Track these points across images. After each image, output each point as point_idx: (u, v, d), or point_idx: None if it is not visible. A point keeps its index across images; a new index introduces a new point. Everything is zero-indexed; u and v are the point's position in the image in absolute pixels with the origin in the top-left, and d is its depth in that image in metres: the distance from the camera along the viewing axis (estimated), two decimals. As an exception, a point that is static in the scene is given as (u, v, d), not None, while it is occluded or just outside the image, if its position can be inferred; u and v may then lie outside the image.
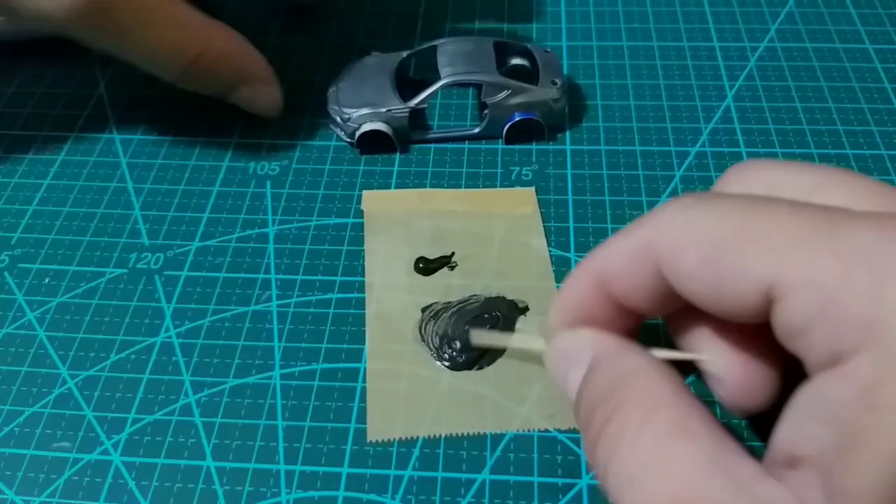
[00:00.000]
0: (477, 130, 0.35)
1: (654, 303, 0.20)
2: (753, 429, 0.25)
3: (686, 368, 0.21)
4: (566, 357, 0.22)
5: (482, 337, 0.27)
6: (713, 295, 0.18)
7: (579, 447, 0.25)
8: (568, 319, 0.22)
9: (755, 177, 0.20)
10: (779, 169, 0.20)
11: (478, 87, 0.34)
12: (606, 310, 0.21)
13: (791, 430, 0.17)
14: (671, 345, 0.23)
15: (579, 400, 0.20)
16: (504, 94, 0.34)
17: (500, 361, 0.27)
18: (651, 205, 0.32)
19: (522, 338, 0.27)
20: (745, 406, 0.20)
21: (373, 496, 0.24)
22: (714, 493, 0.16)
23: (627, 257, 0.20)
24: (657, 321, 0.26)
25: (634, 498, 0.17)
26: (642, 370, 0.19)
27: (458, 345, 0.27)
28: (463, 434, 0.26)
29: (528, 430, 0.26)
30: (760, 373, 0.20)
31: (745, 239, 0.17)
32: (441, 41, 0.35)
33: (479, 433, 0.26)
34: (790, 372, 0.19)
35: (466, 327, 0.28)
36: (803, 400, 0.17)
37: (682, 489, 0.16)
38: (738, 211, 0.18)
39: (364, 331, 0.28)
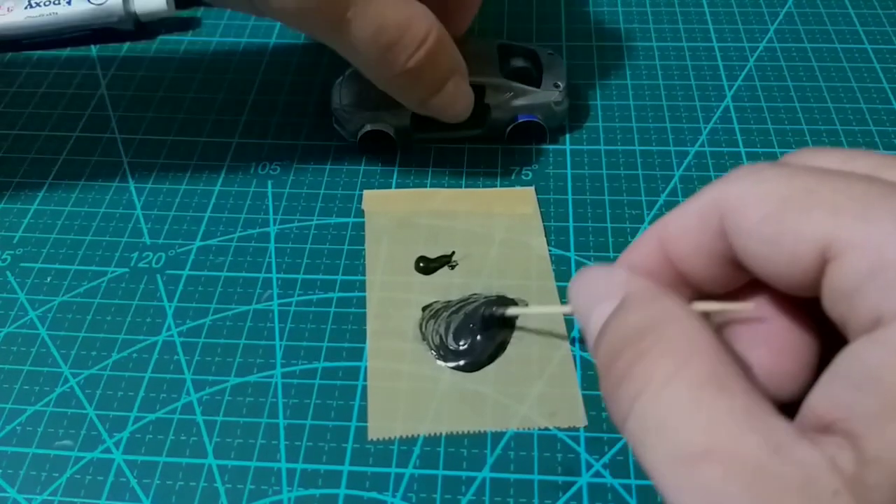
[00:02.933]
0: (479, 132, 0.35)
1: (713, 269, 0.20)
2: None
3: None
4: (594, 289, 0.21)
5: (515, 310, 0.28)
6: (770, 253, 0.18)
7: (579, 445, 0.25)
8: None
9: (816, 158, 0.20)
10: (837, 153, 0.20)
11: (480, 88, 0.34)
12: (663, 278, 0.21)
13: (825, 395, 0.16)
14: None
15: (602, 337, 0.19)
16: (506, 95, 0.34)
17: (500, 360, 0.27)
18: (651, 205, 0.32)
19: (549, 307, 0.27)
20: (779, 391, 0.19)
21: (374, 494, 0.24)
22: (748, 448, 0.15)
23: (693, 214, 0.20)
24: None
25: (662, 444, 0.16)
26: (679, 315, 0.18)
27: (463, 345, 0.28)
28: (463, 432, 0.26)
29: (529, 429, 0.26)
30: (798, 360, 0.19)
31: (810, 198, 0.17)
32: None
33: (479, 431, 0.26)
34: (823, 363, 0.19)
35: (471, 325, 0.28)
36: (841, 364, 0.16)
37: (716, 441, 0.16)
38: (808, 174, 0.18)
39: (365, 329, 0.29)
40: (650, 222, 0.32)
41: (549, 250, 0.31)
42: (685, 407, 0.16)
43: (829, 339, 0.20)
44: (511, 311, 0.28)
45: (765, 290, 0.20)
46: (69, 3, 0.40)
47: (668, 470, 0.16)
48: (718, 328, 0.21)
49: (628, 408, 0.17)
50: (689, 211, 0.20)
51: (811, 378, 0.19)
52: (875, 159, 0.19)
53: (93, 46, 0.42)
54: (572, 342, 0.28)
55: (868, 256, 0.16)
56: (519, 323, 0.28)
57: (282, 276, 0.30)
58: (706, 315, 0.20)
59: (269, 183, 0.34)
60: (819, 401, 0.16)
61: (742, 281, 0.20)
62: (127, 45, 0.42)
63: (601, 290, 0.20)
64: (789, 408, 0.18)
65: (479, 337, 0.28)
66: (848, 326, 0.17)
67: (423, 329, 0.28)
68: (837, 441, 0.15)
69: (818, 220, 0.17)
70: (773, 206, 0.18)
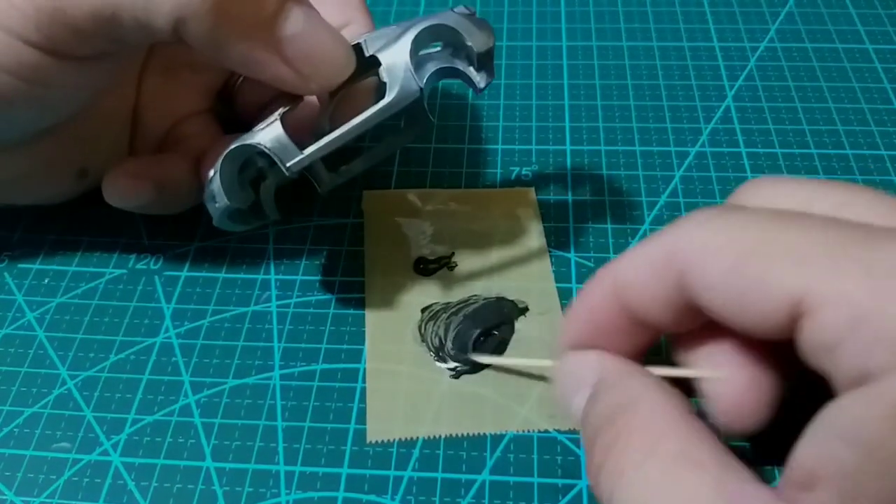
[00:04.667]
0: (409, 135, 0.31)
1: (671, 316, 0.20)
2: (759, 452, 0.25)
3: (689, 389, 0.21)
4: (572, 379, 0.21)
5: (485, 358, 0.27)
6: (736, 307, 0.17)
7: (579, 448, 0.25)
8: (580, 331, 0.22)
9: (772, 194, 0.20)
10: (794, 186, 0.20)
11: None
12: (621, 323, 0.21)
13: (813, 449, 0.16)
14: (672, 363, 0.22)
15: (583, 424, 0.20)
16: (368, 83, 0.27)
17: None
18: (651, 205, 0.32)
19: (529, 360, 0.27)
20: (740, 425, 0.20)
21: (372, 497, 0.24)
22: None
23: (648, 266, 0.19)
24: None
25: None
26: (647, 395, 0.19)
27: (459, 353, 0.27)
28: (463, 435, 0.25)
29: (528, 431, 0.26)
30: (759, 393, 0.19)
31: (775, 249, 0.17)
32: None
33: (478, 434, 0.26)
34: (800, 391, 0.19)
35: (472, 332, 0.28)
36: (828, 418, 0.16)
37: None
38: (767, 221, 0.17)
39: (364, 331, 0.28)
40: (650, 223, 0.32)
41: (550, 251, 0.31)
42: (658, 487, 0.17)
43: (793, 369, 0.19)
44: (484, 359, 0.27)
45: (726, 330, 0.19)
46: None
47: None
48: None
49: (609, 495, 0.18)
50: (644, 259, 0.20)
51: (772, 412, 0.19)
52: (838, 195, 0.19)
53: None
54: (572, 344, 0.28)
55: (845, 310, 0.15)
56: (519, 325, 0.28)
57: (280, 277, 0.30)
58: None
59: (268, 183, 0.34)
60: (807, 454, 0.16)
61: (705, 320, 0.19)
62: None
63: (576, 378, 0.21)
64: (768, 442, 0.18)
65: (478, 342, 0.28)
66: (833, 379, 0.16)
67: (423, 331, 0.28)
68: (824, 498, 0.15)
69: (786, 274, 0.16)
70: (736, 259, 0.17)
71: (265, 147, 0.24)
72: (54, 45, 0.23)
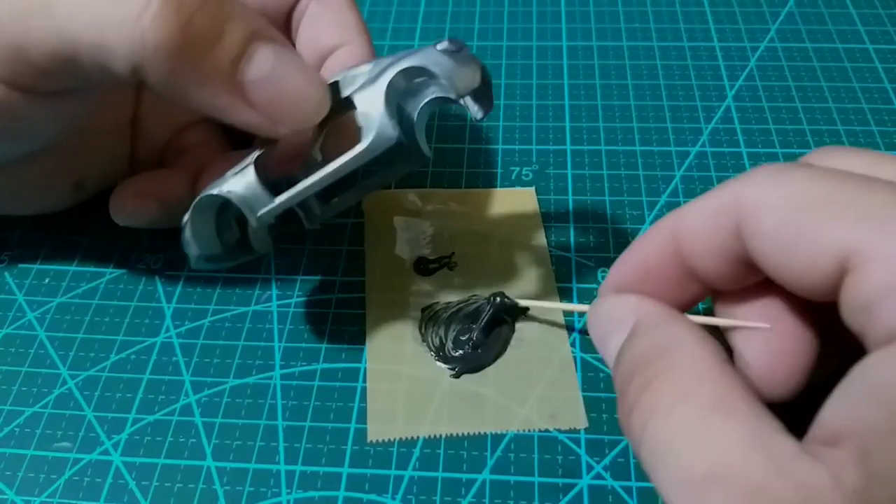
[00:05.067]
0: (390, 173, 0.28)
1: (724, 268, 0.20)
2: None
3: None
4: (608, 320, 0.21)
5: (528, 302, 0.28)
6: (786, 258, 0.18)
7: (580, 447, 0.25)
8: (631, 276, 0.22)
9: (840, 159, 0.20)
10: (864, 155, 0.20)
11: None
12: (672, 272, 0.21)
13: (838, 406, 0.16)
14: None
15: (617, 366, 0.20)
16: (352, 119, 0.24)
17: (500, 362, 0.27)
18: (651, 205, 0.32)
19: (566, 304, 0.27)
20: (774, 389, 0.20)
21: (373, 496, 0.24)
22: (750, 469, 0.16)
23: (709, 212, 0.20)
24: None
25: (668, 469, 0.17)
26: (686, 340, 0.19)
27: (465, 348, 0.28)
28: (463, 434, 0.26)
29: (529, 431, 0.26)
30: (795, 358, 0.20)
31: (830, 205, 0.17)
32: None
33: (479, 433, 0.26)
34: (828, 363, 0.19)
35: (473, 325, 0.28)
36: (855, 376, 0.16)
37: (719, 464, 0.16)
38: (830, 178, 0.18)
39: (364, 331, 0.28)
40: (651, 223, 0.32)
41: (550, 251, 0.31)
42: (691, 431, 0.17)
43: (831, 341, 0.20)
44: (525, 302, 0.28)
45: (773, 290, 0.20)
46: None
47: (676, 494, 0.16)
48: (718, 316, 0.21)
49: (640, 433, 0.18)
50: (706, 207, 0.20)
51: (806, 379, 0.19)
52: None
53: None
54: (573, 344, 0.28)
55: (889, 270, 0.16)
56: (519, 325, 0.28)
57: (281, 276, 0.30)
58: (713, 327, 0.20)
59: (269, 183, 0.34)
60: (832, 411, 0.16)
61: (754, 280, 0.20)
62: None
63: (614, 319, 0.21)
64: (796, 410, 0.18)
65: (479, 342, 0.28)
66: (866, 338, 0.16)
67: (423, 330, 0.28)
68: (845, 456, 0.15)
69: (838, 230, 0.17)
70: (792, 211, 0.17)
71: (234, 197, 0.23)
72: (19, 82, 0.23)
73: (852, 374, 0.16)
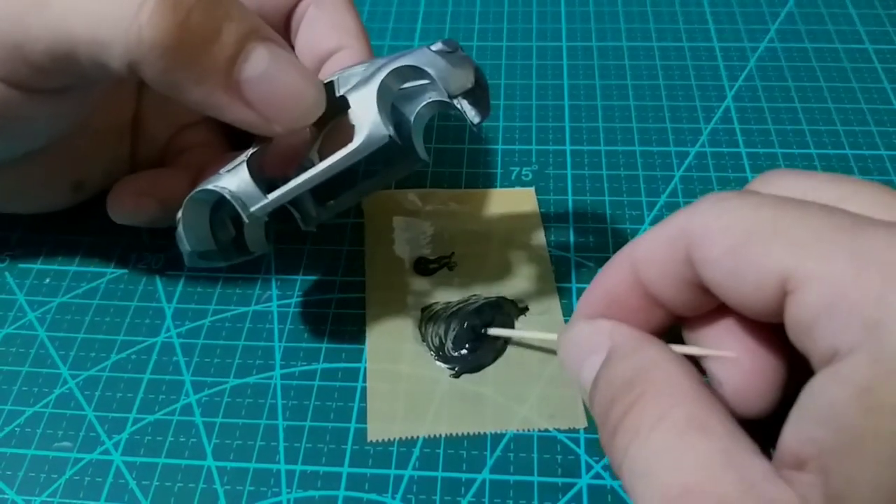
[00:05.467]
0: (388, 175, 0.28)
1: (681, 294, 0.20)
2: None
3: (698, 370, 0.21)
4: (582, 346, 0.21)
5: (497, 331, 0.28)
6: (734, 284, 0.18)
7: (579, 447, 0.25)
8: (598, 306, 0.22)
9: (783, 183, 0.21)
10: (806, 178, 0.21)
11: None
12: (636, 300, 0.21)
13: (795, 431, 0.17)
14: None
15: (595, 390, 0.20)
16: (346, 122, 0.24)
17: (500, 362, 0.27)
18: (651, 205, 0.32)
19: (537, 333, 0.27)
20: (748, 408, 0.20)
21: (373, 496, 0.24)
22: (723, 487, 0.16)
23: (661, 241, 0.20)
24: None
25: (646, 488, 0.17)
26: (662, 363, 0.19)
27: (461, 350, 0.28)
28: (463, 434, 0.26)
29: (528, 430, 0.26)
30: (766, 377, 0.20)
31: (771, 231, 0.18)
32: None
33: (479, 433, 0.26)
34: (798, 379, 0.19)
35: (466, 324, 0.28)
36: (805, 400, 0.17)
37: (692, 482, 0.16)
38: (770, 206, 0.18)
39: (364, 330, 0.28)
40: (651, 223, 0.32)
41: (550, 251, 0.31)
42: (668, 451, 0.17)
43: (796, 360, 0.20)
44: (493, 331, 0.28)
45: (733, 314, 0.20)
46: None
47: None
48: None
49: (621, 459, 0.18)
50: (658, 237, 0.20)
51: (779, 396, 0.20)
52: (845, 187, 0.20)
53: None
54: (572, 343, 0.28)
55: (824, 290, 0.16)
56: (519, 324, 0.28)
57: (281, 276, 0.30)
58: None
59: (269, 183, 0.34)
60: (791, 437, 0.17)
61: (712, 305, 0.20)
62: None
63: (588, 344, 0.21)
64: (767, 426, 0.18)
65: (478, 342, 0.28)
66: (811, 358, 0.17)
67: (423, 330, 0.28)
68: (810, 479, 0.16)
69: (778, 254, 0.17)
70: (735, 238, 0.18)
71: (227, 193, 0.24)
72: (17, 80, 0.23)
73: (803, 397, 0.17)
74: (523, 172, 0.34)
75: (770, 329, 0.20)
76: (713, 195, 0.20)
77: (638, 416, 0.18)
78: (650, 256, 0.21)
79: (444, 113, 0.37)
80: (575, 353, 0.22)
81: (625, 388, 0.19)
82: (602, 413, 0.20)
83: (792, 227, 0.17)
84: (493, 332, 0.28)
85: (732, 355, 0.20)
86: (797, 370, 0.20)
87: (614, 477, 0.24)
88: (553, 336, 0.24)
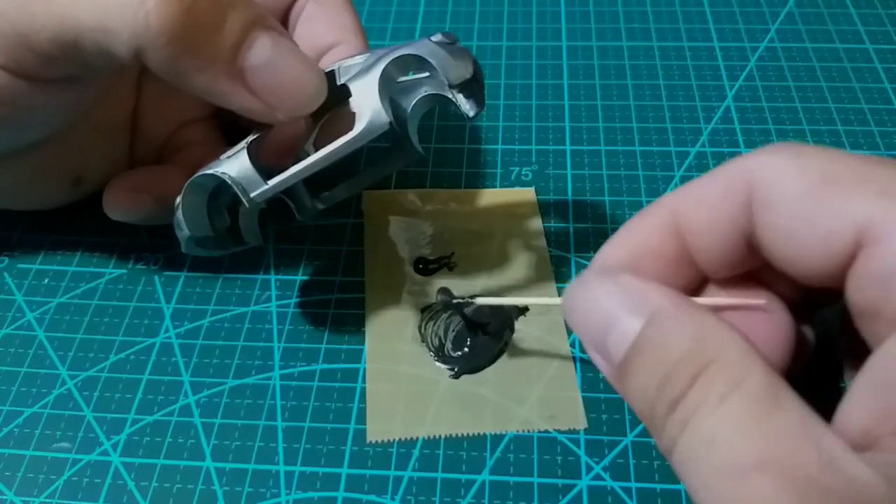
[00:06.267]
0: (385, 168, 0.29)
1: (725, 247, 0.19)
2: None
3: None
4: (607, 307, 0.19)
5: (485, 299, 0.27)
6: (801, 230, 0.17)
7: (579, 448, 0.25)
8: (621, 259, 0.20)
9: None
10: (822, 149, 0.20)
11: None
12: (669, 254, 0.19)
13: (864, 404, 0.16)
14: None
15: (638, 358, 0.18)
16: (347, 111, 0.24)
17: (500, 362, 0.27)
18: (651, 205, 0.32)
19: (535, 299, 0.26)
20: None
21: (372, 497, 0.24)
22: (802, 461, 0.15)
23: (717, 184, 0.19)
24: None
25: (714, 456, 0.16)
26: (724, 329, 0.17)
27: (459, 351, 0.27)
28: (463, 435, 0.25)
29: (528, 431, 0.25)
30: (774, 353, 0.19)
31: (855, 178, 0.16)
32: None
33: (478, 434, 0.26)
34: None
35: (461, 323, 0.28)
36: (877, 368, 0.15)
37: (769, 453, 0.15)
38: (853, 157, 0.17)
39: (364, 331, 0.28)
40: (650, 223, 0.31)
41: (550, 251, 0.31)
42: (741, 421, 0.16)
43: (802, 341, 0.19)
44: (481, 300, 0.27)
45: (756, 287, 0.19)
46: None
47: (719, 482, 0.16)
48: None
49: (680, 429, 0.17)
50: (714, 181, 0.19)
51: (783, 372, 0.19)
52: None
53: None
54: (572, 344, 0.28)
55: None
56: (519, 325, 0.28)
57: (280, 277, 0.30)
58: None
59: (268, 183, 0.34)
60: (858, 411, 0.16)
61: (751, 265, 0.19)
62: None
63: (616, 305, 0.19)
64: None
65: (478, 343, 0.28)
66: (878, 317, 0.16)
67: (423, 331, 0.28)
68: (887, 458, 0.15)
69: (859, 202, 0.16)
70: (814, 182, 0.17)
71: (227, 177, 0.24)
72: (22, 69, 0.23)
73: (873, 365, 0.16)
74: (523, 172, 0.34)
75: (783, 308, 0.19)
76: (783, 143, 0.19)
77: (705, 387, 0.16)
78: (700, 200, 0.19)
79: (444, 112, 0.37)
80: (597, 315, 0.19)
81: (687, 357, 0.17)
82: (649, 386, 0.17)
83: (875, 176, 0.16)
84: (481, 301, 0.27)
85: (762, 302, 0.19)
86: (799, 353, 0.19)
87: (615, 478, 0.24)
88: (557, 300, 0.21)
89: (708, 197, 0.19)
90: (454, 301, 0.28)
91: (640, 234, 0.20)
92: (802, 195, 0.17)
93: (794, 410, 0.16)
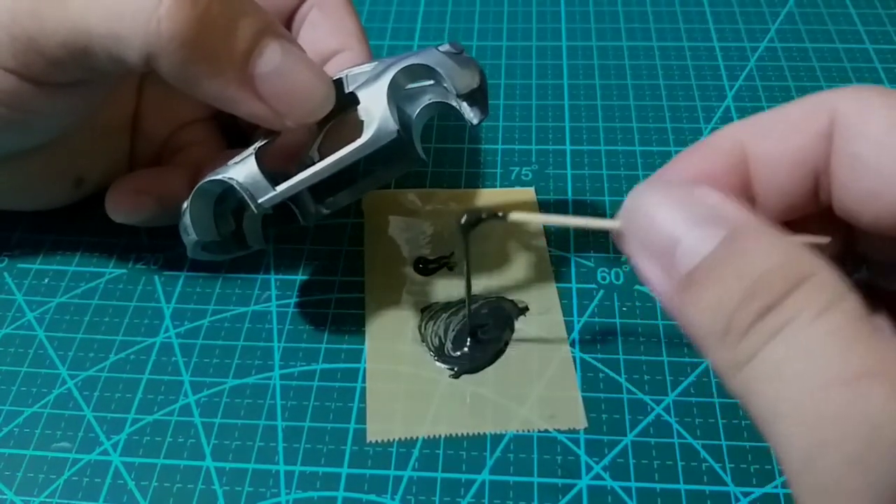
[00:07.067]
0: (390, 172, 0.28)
1: (790, 183, 0.18)
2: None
3: None
4: (676, 215, 0.17)
5: (519, 215, 0.22)
6: (886, 165, 0.16)
7: (579, 448, 0.25)
8: (685, 179, 0.19)
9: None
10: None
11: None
12: (730, 184, 0.18)
13: None
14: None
15: (716, 271, 0.16)
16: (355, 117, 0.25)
17: (500, 362, 0.27)
18: (651, 205, 0.32)
19: (587, 219, 0.21)
20: None
21: (372, 496, 0.24)
22: None
23: (797, 111, 0.18)
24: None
25: (814, 369, 0.15)
26: (807, 252, 0.16)
27: (461, 350, 0.28)
28: (462, 434, 0.25)
29: (528, 431, 0.26)
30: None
31: None
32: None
33: (478, 433, 0.26)
34: None
35: (466, 324, 0.28)
36: None
37: (878, 364, 0.14)
38: None
39: (363, 331, 0.28)
40: (650, 223, 0.31)
41: (550, 251, 0.31)
42: (844, 333, 0.15)
43: None
44: (514, 215, 0.21)
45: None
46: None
47: (817, 393, 0.15)
48: None
49: (766, 339, 0.15)
50: (789, 109, 0.18)
51: None
52: None
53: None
54: (572, 344, 0.28)
55: None
56: (519, 325, 0.28)
57: (280, 277, 0.30)
58: None
59: (268, 183, 0.34)
60: None
61: (804, 211, 0.19)
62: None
63: (688, 217, 0.17)
64: None
65: (478, 342, 0.28)
66: None
67: (423, 331, 0.28)
68: None
69: None
70: None
71: (235, 183, 0.24)
72: (31, 73, 0.23)
73: None
74: (523, 172, 0.34)
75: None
76: (858, 85, 0.18)
77: (802, 299, 0.15)
78: (773, 127, 0.18)
79: (444, 113, 0.37)
80: (666, 224, 0.17)
81: (782, 268, 0.16)
82: (730, 296, 0.16)
83: None
84: (514, 217, 0.21)
85: (828, 239, 0.18)
86: None
87: (615, 478, 0.24)
88: (614, 223, 0.19)
89: (782, 124, 0.18)
90: (483, 217, 0.23)
91: (703, 161, 0.19)
92: (891, 130, 0.16)
93: (890, 335, 0.15)
